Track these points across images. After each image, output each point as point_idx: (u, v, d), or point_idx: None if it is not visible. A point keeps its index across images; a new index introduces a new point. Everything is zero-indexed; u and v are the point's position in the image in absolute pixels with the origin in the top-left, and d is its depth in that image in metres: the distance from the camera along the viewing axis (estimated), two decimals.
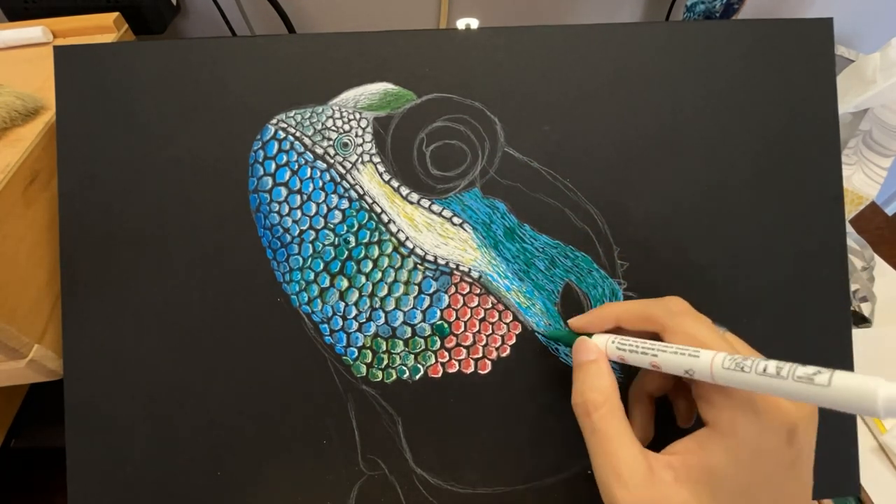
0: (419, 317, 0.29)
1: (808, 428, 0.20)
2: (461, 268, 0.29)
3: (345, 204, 0.29)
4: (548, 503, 0.28)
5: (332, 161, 0.29)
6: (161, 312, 0.29)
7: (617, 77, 0.29)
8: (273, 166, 0.29)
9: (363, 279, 0.29)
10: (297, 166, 0.29)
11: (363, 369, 0.29)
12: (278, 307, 0.29)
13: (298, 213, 0.29)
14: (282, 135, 0.29)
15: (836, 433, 0.29)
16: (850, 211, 0.48)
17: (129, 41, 0.43)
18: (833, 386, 0.16)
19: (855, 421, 0.29)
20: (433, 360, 0.29)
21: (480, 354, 0.29)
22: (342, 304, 0.29)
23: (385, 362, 0.29)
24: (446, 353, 0.29)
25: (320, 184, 0.29)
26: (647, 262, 0.29)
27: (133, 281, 0.29)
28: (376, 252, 0.29)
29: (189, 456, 0.29)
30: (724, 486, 0.19)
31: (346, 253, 0.29)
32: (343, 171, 0.29)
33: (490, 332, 0.29)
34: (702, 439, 0.20)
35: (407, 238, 0.29)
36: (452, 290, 0.29)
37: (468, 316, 0.29)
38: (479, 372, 0.29)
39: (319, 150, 0.29)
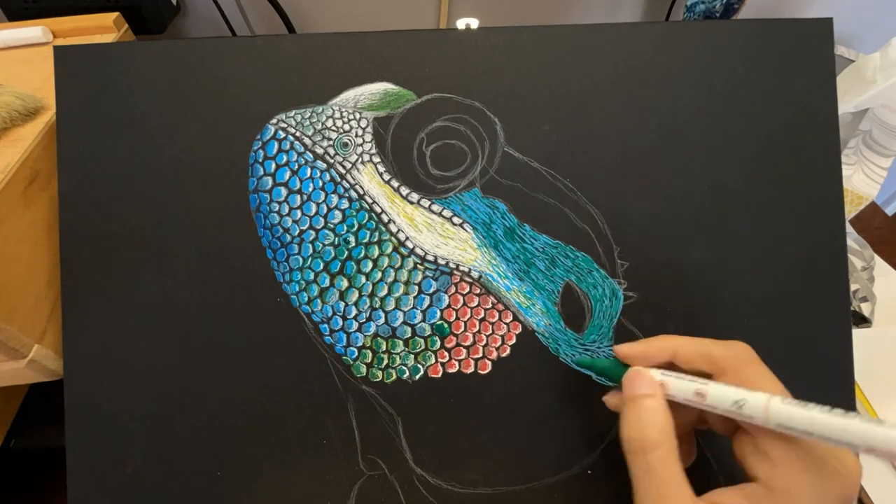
0: (419, 317, 0.29)
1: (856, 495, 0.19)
2: (461, 268, 0.29)
3: (345, 204, 0.29)
4: (548, 503, 0.28)
5: (332, 161, 0.29)
6: (161, 312, 0.29)
7: (617, 77, 0.29)
8: (273, 166, 0.29)
9: (363, 279, 0.29)
10: (297, 166, 0.29)
11: (363, 369, 0.29)
12: (278, 307, 0.29)
13: (298, 212, 0.29)
14: (282, 135, 0.29)
15: None
16: (850, 211, 0.48)
17: (129, 41, 0.43)
18: None
19: None
20: (433, 360, 0.29)
21: (480, 354, 0.29)
22: (342, 304, 0.29)
23: (385, 362, 0.29)
24: (446, 353, 0.29)
25: (320, 184, 0.29)
26: (647, 262, 0.29)
27: (133, 281, 0.29)
28: (376, 252, 0.29)
29: (189, 456, 0.29)
30: None
31: (346, 253, 0.29)
32: (343, 171, 0.29)
33: (490, 332, 0.29)
34: (753, 497, 0.19)
35: (407, 238, 0.29)
36: (452, 290, 0.29)
37: (468, 316, 0.29)
38: (479, 372, 0.29)
39: (319, 150, 0.29)
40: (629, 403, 0.22)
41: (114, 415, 0.29)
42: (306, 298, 0.29)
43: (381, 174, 0.29)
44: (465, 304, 0.29)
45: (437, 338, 0.29)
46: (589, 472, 0.28)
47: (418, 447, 0.29)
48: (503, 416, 0.29)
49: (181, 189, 0.29)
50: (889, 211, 0.73)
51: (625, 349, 0.24)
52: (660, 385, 0.22)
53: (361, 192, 0.29)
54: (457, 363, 0.29)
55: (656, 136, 0.29)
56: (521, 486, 0.29)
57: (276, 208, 0.29)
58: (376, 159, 0.29)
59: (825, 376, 0.29)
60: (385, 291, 0.29)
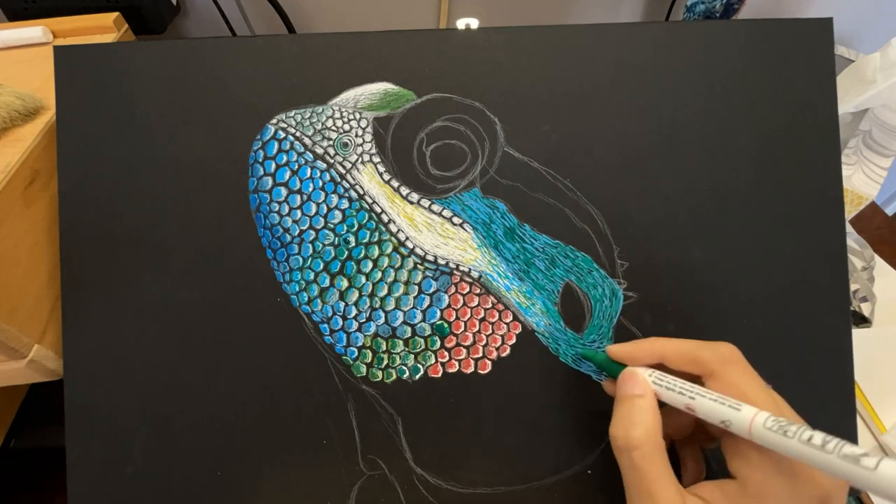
0: (419, 317, 0.29)
1: (839, 499, 0.19)
2: (461, 268, 0.29)
3: (345, 204, 0.29)
4: (548, 503, 0.28)
5: (332, 161, 0.29)
6: (161, 312, 0.29)
7: (617, 77, 0.29)
8: (273, 166, 0.29)
9: (363, 279, 0.29)
10: (297, 166, 0.29)
11: (363, 369, 0.29)
12: (278, 307, 0.29)
13: (298, 212, 0.29)
14: (282, 135, 0.29)
15: (836, 433, 0.29)
16: (850, 211, 0.48)
17: (129, 41, 0.43)
18: (879, 471, 0.15)
19: (854, 421, 0.29)
20: (433, 360, 0.29)
21: (480, 354, 0.29)
22: (342, 304, 0.29)
23: (385, 362, 0.29)
24: (446, 353, 0.29)
25: (320, 184, 0.29)
26: (647, 262, 0.29)
27: (133, 281, 0.29)
28: (376, 252, 0.29)
29: (189, 456, 0.29)
30: None
31: (346, 253, 0.29)
32: (343, 171, 0.29)
33: (490, 331, 0.29)
34: (729, 493, 0.20)
35: (407, 238, 0.29)
36: (452, 289, 0.29)
37: (468, 316, 0.29)
38: (479, 372, 0.29)
39: (319, 150, 0.29)
40: (619, 402, 0.23)
41: (114, 415, 0.29)
42: (306, 298, 0.29)
43: (381, 174, 0.29)
44: (465, 304, 0.29)
45: (437, 338, 0.29)
46: (589, 472, 0.28)
47: (418, 447, 0.29)
48: (503, 416, 0.29)
49: (181, 189, 0.29)
50: (889, 211, 0.73)
51: (615, 350, 0.25)
52: (650, 386, 0.22)
53: (361, 192, 0.29)
54: (457, 363, 0.29)
55: (656, 136, 0.29)
56: (521, 486, 0.29)
57: (276, 208, 0.29)
58: (376, 159, 0.29)
59: (825, 376, 0.29)
60: (385, 291, 0.29)
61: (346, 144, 0.29)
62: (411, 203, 0.29)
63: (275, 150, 0.29)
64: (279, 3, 0.51)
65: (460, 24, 0.57)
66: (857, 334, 0.29)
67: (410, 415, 0.29)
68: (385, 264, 0.29)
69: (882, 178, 0.46)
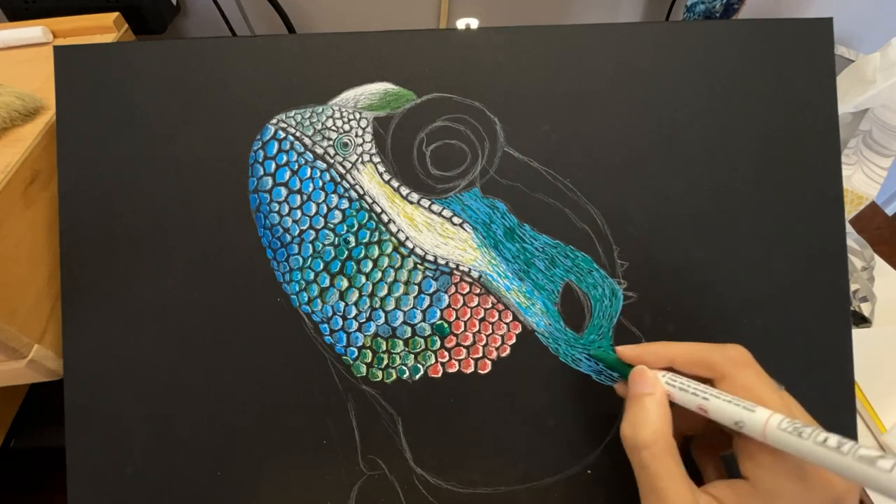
0: (419, 317, 0.29)
1: (851, 502, 0.19)
2: (461, 268, 0.29)
3: (345, 204, 0.29)
4: (548, 503, 0.28)
5: (332, 161, 0.29)
6: (161, 312, 0.29)
7: (617, 77, 0.29)
8: (273, 166, 0.29)
9: (363, 279, 0.29)
10: (297, 166, 0.29)
11: (363, 369, 0.29)
12: (278, 307, 0.29)
13: (298, 212, 0.29)
14: (282, 135, 0.29)
15: (836, 432, 0.29)
16: (850, 211, 0.48)
17: (129, 41, 0.43)
18: (895, 474, 0.15)
19: (854, 420, 0.29)
20: (433, 360, 0.29)
21: (480, 354, 0.29)
22: (342, 304, 0.29)
23: (385, 362, 0.29)
24: (446, 353, 0.29)
25: (320, 184, 0.29)
26: (647, 262, 0.29)
27: (133, 281, 0.29)
28: (376, 252, 0.29)
29: (189, 456, 0.29)
30: None
31: (346, 253, 0.29)
32: (343, 171, 0.29)
33: (490, 331, 0.29)
34: (741, 493, 0.20)
35: (407, 238, 0.29)
36: (452, 289, 0.29)
37: (468, 316, 0.29)
38: (479, 372, 0.29)
39: (319, 150, 0.29)
40: (629, 401, 0.23)
41: (114, 415, 0.29)
42: (306, 298, 0.29)
43: (381, 174, 0.29)
44: (465, 303, 0.29)
45: (437, 338, 0.29)
46: (589, 472, 0.28)
47: (418, 447, 0.29)
48: (503, 416, 0.29)
49: (181, 189, 0.29)
50: (889, 211, 0.73)
51: (625, 351, 0.25)
52: (661, 386, 0.22)
53: (361, 192, 0.29)
54: (457, 363, 0.29)
55: (656, 136, 0.29)
56: (521, 486, 0.29)
57: (276, 208, 0.29)
58: (376, 159, 0.29)
59: (825, 376, 0.29)
60: (385, 291, 0.29)
61: (346, 144, 0.29)
62: (411, 203, 0.29)
63: (275, 150, 0.29)
64: (279, 3, 0.51)
65: (460, 24, 0.57)
66: (857, 334, 0.29)
67: (410, 415, 0.29)
68: (385, 264, 0.29)
69: (882, 178, 0.46)
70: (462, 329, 0.29)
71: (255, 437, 0.29)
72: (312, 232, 0.29)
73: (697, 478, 0.24)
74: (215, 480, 0.29)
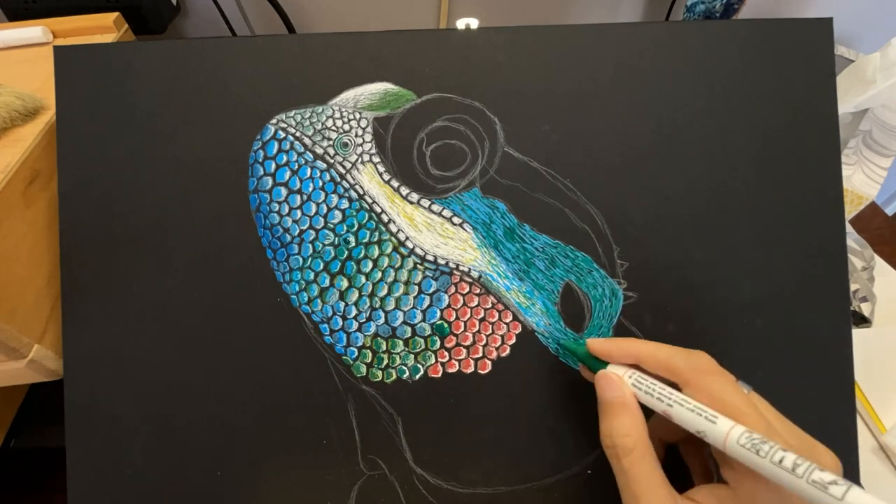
0: (419, 317, 0.29)
1: None
2: (461, 268, 0.29)
3: (345, 204, 0.29)
4: (548, 503, 0.28)
5: (332, 161, 0.29)
6: (161, 312, 0.29)
7: (617, 77, 0.29)
8: (273, 166, 0.29)
9: (363, 279, 0.29)
10: (297, 166, 0.29)
11: (363, 369, 0.29)
12: (278, 307, 0.29)
13: (298, 212, 0.29)
14: (282, 135, 0.29)
15: (836, 432, 0.29)
16: (850, 211, 0.48)
17: (129, 41, 0.43)
18: (846, 501, 0.15)
19: (854, 420, 0.29)
20: (433, 360, 0.29)
21: (480, 354, 0.29)
22: (342, 304, 0.29)
23: (385, 362, 0.29)
24: (446, 353, 0.29)
25: (320, 184, 0.29)
26: (647, 262, 0.29)
27: (133, 281, 0.29)
28: (376, 252, 0.29)
29: (189, 456, 0.29)
30: None
31: (346, 253, 0.29)
32: (343, 171, 0.29)
33: (490, 331, 0.29)
34: (722, 498, 0.20)
35: (407, 238, 0.29)
36: (452, 289, 0.29)
37: (468, 316, 0.29)
38: (479, 372, 0.29)
39: (319, 150, 0.29)
40: (602, 407, 0.23)
41: (114, 415, 0.29)
42: (306, 298, 0.29)
43: (381, 174, 0.29)
44: (465, 303, 0.29)
45: (437, 338, 0.29)
46: (589, 472, 0.28)
47: (418, 447, 0.29)
48: (503, 416, 0.29)
49: (181, 189, 0.29)
50: (889, 211, 0.73)
51: (593, 344, 0.25)
52: (629, 389, 0.23)
53: (361, 192, 0.29)
54: (457, 363, 0.29)
55: (656, 136, 0.29)
56: (521, 486, 0.29)
57: (276, 208, 0.29)
58: (376, 159, 0.29)
59: (825, 376, 0.29)
60: (385, 291, 0.29)
61: (346, 144, 0.29)
62: (411, 203, 0.29)
63: (275, 150, 0.29)
64: (279, 3, 0.51)
65: (460, 24, 0.57)
66: (857, 334, 0.29)
67: (410, 415, 0.29)
68: (385, 264, 0.29)
69: (882, 178, 0.46)
70: (462, 329, 0.29)
71: (255, 437, 0.29)
72: (312, 232, 0.29)
73: (683, 479, 0.24)
74: (215, 480, 0.29)
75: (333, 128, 0.29)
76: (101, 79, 0.29)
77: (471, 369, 0.29)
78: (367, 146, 0.29)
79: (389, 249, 0.29)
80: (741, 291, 0.29)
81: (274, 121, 0.29)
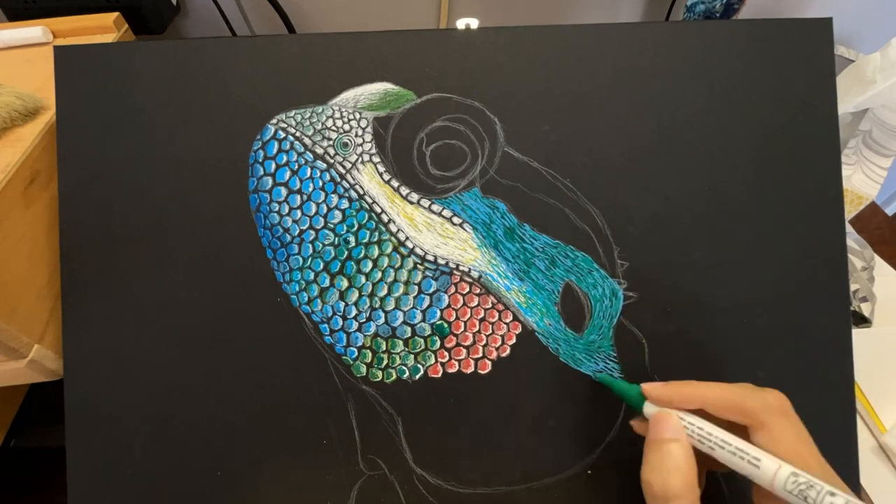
0: (419, 317, 0.29)
1: None
2: (461, 268, 0.29)
3: (345, 204, 0.29)
4: (548, 503, 0.28)
5: (332, 161, 0.29)
6: (161, 312, 0.29)
7: (617, 77, 0.29)
8: (273, 166, 0.29)
9: (363, 279, 0.29)
10: (297, 166, 0.29)
11: (363, 369, 0.29)
12: (278, 307, 0.29)
13: (298, 212, 0.29)
14: (282, 135, 0.29)
15: (836, 432, 0.29)
16: (850, 211, 0.48)
17: (129, 41, 0.43)
18: None
19: (854, 420, 0.29)
20: (433, 360, 0.29)
21: (480, 354, 0.29)
22: (342, 304, 0.29)
23: (385, 362, 0.29)
24: (446, 353, 0.29)
25: (320, 184, 0.29)
26: (647, 262, 0.29)
27: (133, 281, 0.29)
28: (376, 252, 0.29)
29: (189, 456, 0.29)
30: None
31: (346, 253, 0.29)
32: (343, 171, 0.29)
33: (490, 331, 0.29)
34: None
35: (407, 238, 0.29)
36: (452, 289, 0.29)
37: (468, 316, 0.29)
38: (479, 372, 0.29)
39: (319, 150, 0.29)
40: (653, 446, 0.22)
41: (114, 415, 0.29)
42: (306, 298, 0.29)
43: (380, 174, 0.29)
44: (464, 303, 0.29)
45: (436, 338, 0.29)
46: (589, 472, 0.28)
47: (418, 447, 0.29)
48: (503, 416, 0.29)
49: (181, 189, 0.29)
50: (889, 211, 0.73)
51: (653, 391, 0.23)
52: (685, 433, 0.22)
53: (361, 192, 0.29)
54: (457, 363, 0.29)
55: (656, 136, 0.29)
56: (521, 486, 0.29)
57: (276, 208, 0.29)
58: (376, 159, 0.29)
59: (825, 376, 0.29)
60: (385, 291, 0.29)
61: (346, 144, 0.29)
62: (411, 203, 0.29)
63: (275, 150, 0.29)
64: (279, 3, 0.51)
65: (460, 24, 0.57)
66: (857, 334, 0.29)
67: (410, 415, 0.29)
68: (385, 264, 0.29)
69: (882, 178, 0.46)
70: (462, 329, 0.29)
71: (255, 437, 0.29)
72: (312, 232, 0.29)
73: None
74: (215, 480, 0.29)
75: (333, 128, 0.29)
76: (101, 79, 0.29)
77: (471, 369, 0.29)
78: (367, 146, 0.29)
79: (389, 249, 0.29)
80: (741, 291, 0.29)
81: (274, 121, 0.29)
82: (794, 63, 0.29)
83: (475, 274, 0.29)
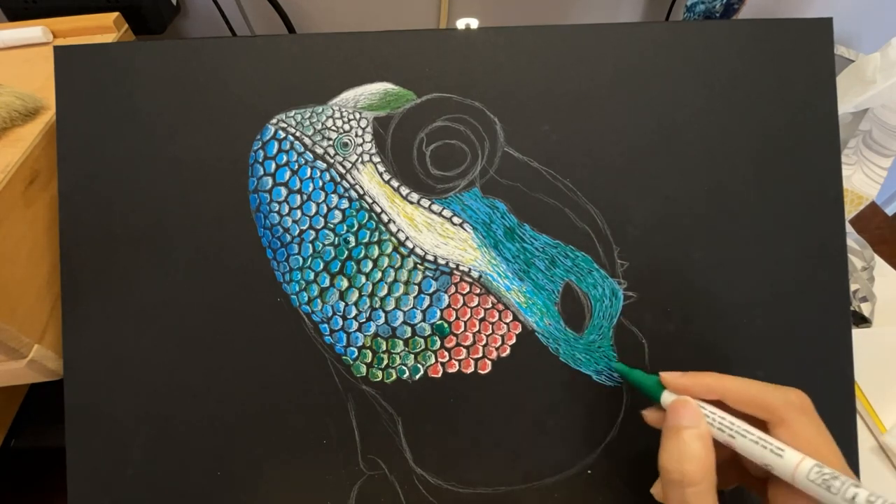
0: (419, 317, 0.29)
1: None
2: (461, 268, 0.29)
3: (345, 204, 0.29)
4: (548, 503, 0.28)
5: (332, 161, 0.29)
6: (161, 312, 0.29)
7: (617, 77, 0.29)
8: (273, 166, 0.29)
9: (363, 279, 0.29)
10: (297, 166, 0.29)
11: (363, 369, 0.29)
12: (278, 307, 0.29)
13: (298, 212, 0.29)
14: (282, 135, 0.29)
15: (836, 432, 0.29)
16: (850, 211, 0.48)
17: (129, 41, 0.43)
18: None
19: (854, 420, 0.29)
20: (433, 360, 0.29)
21: (480, 354, 0.29)
22: (342, 304, 0.29)
23: (385, 362, 0.29)
24: (446, 353, 0.29)
25: (320, 184, 0.29)
26: (647, 262, 0.29)
27: (133, 281, 0.29)
28: (376, 252, 0.29)
29: (189, 456, 0.29)
30: None
31: (346, 253, 0.29)
32: (343, 171, 0.29)
33: (490, 331, 0.29)
34: None
35: (407, 238, 0.29)
36: (452, 289, 0.29)
37: (468, 316, 0.29)
38: (479, 372, 0.29)
39: (319, 150, 0.29)
40: (671, 433, 0.22)
41: (114, 415, 0.29)
42: (306, 298, 0.29)
43: (381, 174, 0.29)
44: (465, 303, 0.29)
45: (437, 338, 0.29)
46: (589, 472, 0.28)
47: (418, 447, 0.29)
48: (503, 416, 0.29)
49: (181, 189, 0.29)
50: (889, 211, 0.73)
51: (671, 379, 0.23)
52: (704, 419, 0.21)
53: (361, 192, 0.29)
54: (457, 363, 0.29)
55: (656, 136, 0.29)
56: (521, 486, 0.29)
57: (276, 208, 0.29)
58: (376, 159, 0.29)
59: (825, 376, 0.29)
60: (385, 291, 0.29)
61: (346, 144, 0.29)
62: (411, 203, 0.29)
63: (275, 150, 0.29)
64: (279, 3, 0.51)
65: (460, 24, 0.57)
66: (857, 334, 0.29)
67: (410, 415, 0.29)
68: (385, 264, 0.29)
69: (882, 178, 0.46)
70: (462, 329, 0.29)
71: (255, 436, 0.29)
72: (312, 232, 0.29)
73: None
74: (215, 480, 0.29)
75: (333, 128, 0.29)
76: (101, 79, 0.29)
77: (471, 369, 0.29)
78: (367, 146, 0.29)
79: (389, 249, 0.29)
80: (741, 291, 0.29)
81: (274, 121, 0.29)
82: (794, 63, 0.29)
83: (475, 274, 0.29)
